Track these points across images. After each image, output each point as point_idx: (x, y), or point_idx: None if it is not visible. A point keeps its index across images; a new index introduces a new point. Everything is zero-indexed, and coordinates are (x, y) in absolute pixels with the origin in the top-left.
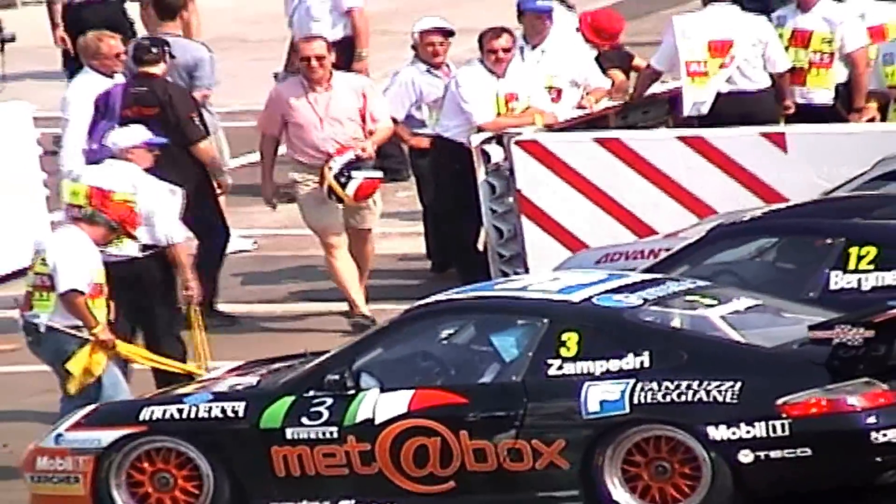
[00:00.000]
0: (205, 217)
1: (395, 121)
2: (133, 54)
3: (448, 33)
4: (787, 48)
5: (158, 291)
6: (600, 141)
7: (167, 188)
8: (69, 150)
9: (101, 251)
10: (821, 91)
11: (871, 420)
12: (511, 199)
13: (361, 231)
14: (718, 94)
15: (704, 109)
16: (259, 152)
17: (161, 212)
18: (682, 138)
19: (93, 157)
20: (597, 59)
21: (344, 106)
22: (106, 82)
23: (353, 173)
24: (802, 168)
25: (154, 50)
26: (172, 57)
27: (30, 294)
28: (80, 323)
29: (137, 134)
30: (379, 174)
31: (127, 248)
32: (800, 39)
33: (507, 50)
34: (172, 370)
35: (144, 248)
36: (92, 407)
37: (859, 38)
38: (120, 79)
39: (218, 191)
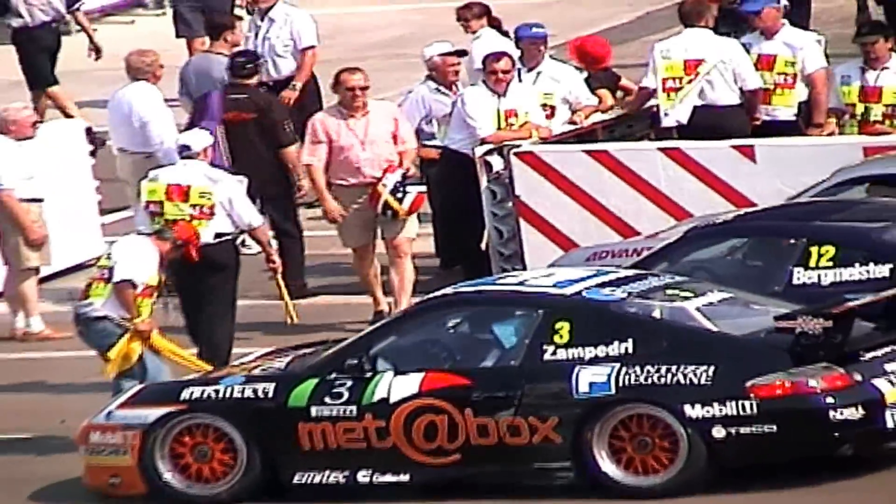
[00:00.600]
0: (285, 216)
1: None
2: (230, 67)
3: (462, 54)
4: (758, 70)
5: (224, 275)
6: (589, 152)
7: (235, 178)
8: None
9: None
10: (784, 109)
11: (830, 400)
12: (510, 204)
13: (400, 246)
14: (694, 108)
15: (683, 120)
16: (310, 181)
17: (238, 200)
18: (662, 150)
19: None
20: (586, 80)
21: (380, 130)
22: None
23: (408, 188)
24: (769, 177)
25: (249, 64)
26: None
27: (88, 285)
28: (126, 315)
29: (206, 138)
30: (424, 188)
31: (202, 236)
32: (765, 63)
33: (506, 72)
34: (187, 365)
35: (217, 235)
36: (139, 387)
37: (818, 61)
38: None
39: (297, 194)
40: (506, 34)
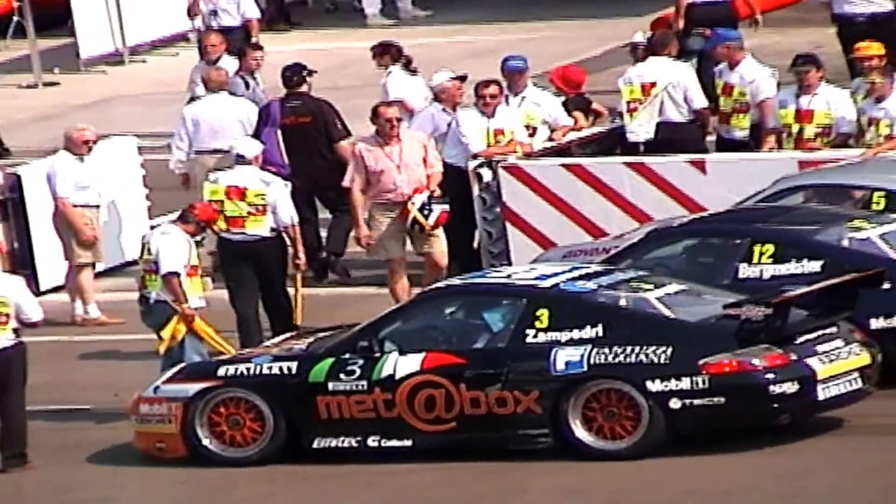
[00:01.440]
0: (339, 197)
1: None
2: (283, 78)
3: (464, 79)
4: (719, 96)
5: (278, 261)
6: (566, 166)
7: (283, 182)
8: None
9: (241, 232)
10: (739, 130)
11: (770, 376)
12: (498, 210)
13: (434, 255)
14: (657, 124)
15: (650, 136)
16: (352, 202)
17: (283, 201)
18: (627, 164)
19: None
20: (564, 103)
21: (412, 155)
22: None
23: (434, 206)
24: (718, 186)
25: (296, 76)
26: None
27: (142, 277)
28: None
29: (257, 146)
30: (448, 206)
31: (259, 230)
32: (726, 90)
33: (493, 96)
34: (219, 347)
35: (272, 230)
36: (182, 365)
37: (767, 91)
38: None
39: None
40: (414, 72)
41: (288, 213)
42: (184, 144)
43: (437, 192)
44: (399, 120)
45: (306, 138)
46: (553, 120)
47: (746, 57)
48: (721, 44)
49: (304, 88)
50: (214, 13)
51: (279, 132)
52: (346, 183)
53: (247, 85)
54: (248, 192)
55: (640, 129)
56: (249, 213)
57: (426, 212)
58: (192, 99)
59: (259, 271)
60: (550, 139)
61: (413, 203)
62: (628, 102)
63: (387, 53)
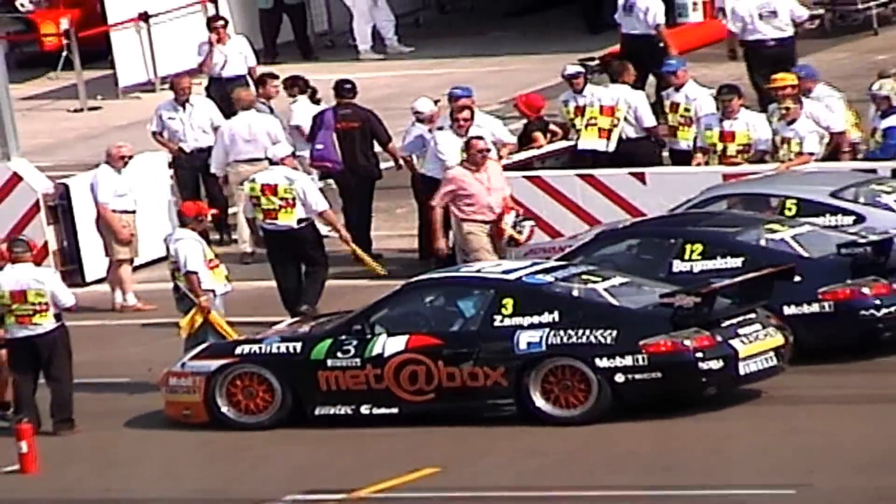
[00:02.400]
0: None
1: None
2: (337, 90)
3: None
4: (668, 114)
5: (311, 246)
6: (527, 177)
7: (307, 177)
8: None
9: (274, 222)
10: (684, 141)
11: (699, 355)
12: None
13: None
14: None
15: (611, 149)
16: (434, 219)
17: (310, 191)
18: (579, 175)
19: (318, 154)
20: (526, 125)
21: (497, 180)
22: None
23: (524, 223)
24: (655, 195)
25: (347, 86)
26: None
27: (172, 273)
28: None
29: (287, 148)
30: (534, 222)
31: (289, 221)
32: (673, 108)
33: (466, 119)
34: (226, 333)
35: (300, 221)
36: (205, 345)
37: (707, 108)
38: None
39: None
40: (318, 101)
41: (315, 202)
42: (221, 153)
43: (521, 211)
44: (488, 151)
45: (355, 141)
46: (496, 139)
47: (689, 80)
48: (670, 71)
49: (353, 99)
50: (224, 65)
51: (334, 135)
52: (434, 202)
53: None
54: (278, 188)
55: (600, 144)
56: (280, 206)
57: (518, 229)
58: (155, 134)
59: (293, 254)
60: (499, 157)
61: (506, 223)
62: (588, 119)
63: (295, 85)
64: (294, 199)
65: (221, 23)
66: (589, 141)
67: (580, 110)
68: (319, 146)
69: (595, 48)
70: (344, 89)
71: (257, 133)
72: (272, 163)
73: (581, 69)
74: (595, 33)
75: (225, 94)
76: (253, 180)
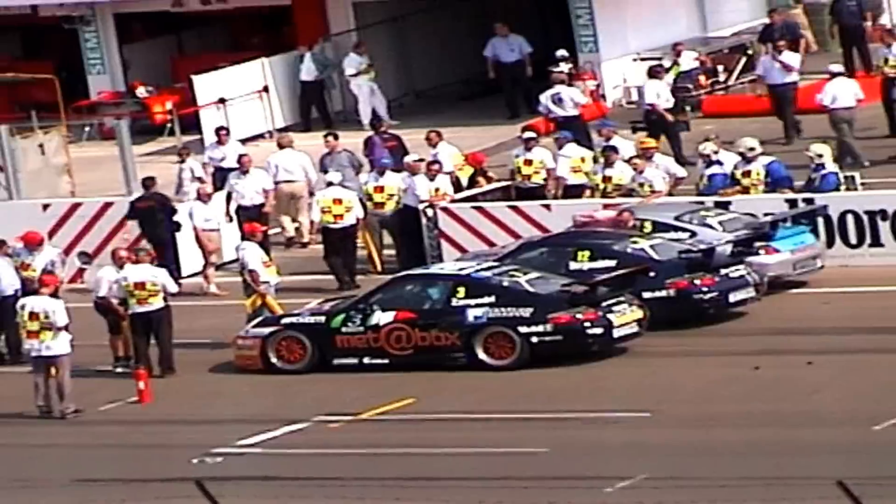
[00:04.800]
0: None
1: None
2: (373, 121)
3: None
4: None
5: (353, 240)
6: (474, 207)
7: (355, 194)
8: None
9: (334, 223)
10: (577, 180)
11: (587, 324)
12: (436, 232)
13: None
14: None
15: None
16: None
17: (356, 205)
18: (510, 206)
19: (382, 163)
20: (473, 173)
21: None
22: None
23: None
24: (557, 219)
25: (377, 121)
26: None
27: (240, 271)
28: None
29: (337, 176)
30: None
31: (348, 222)
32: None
33: (436, 170)
34: (274, 310)
35: (352, 225)
36: (261, 318)
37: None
38: None
39: None
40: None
41: (357, 211)
42: (269, 179)
43: None
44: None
45: (395, 155)
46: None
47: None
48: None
49: (386, 128)
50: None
51: (386, 150)
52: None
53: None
54: (343, 201)
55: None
56: (342, 213)
57: None
58: (228, 195)
59: (344, 244)
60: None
61: None
62: (535, 167)
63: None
64: (351, 208)
65: (332, 137)
66: (537, 180)
67: (528, 162)
68: (385, 160)
69: (517, 123)
70: (378, 120)
71: (292, 165)
72: (329, 185)
73: (535, 134)
74: (513, 117)
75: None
76: (323, 196)
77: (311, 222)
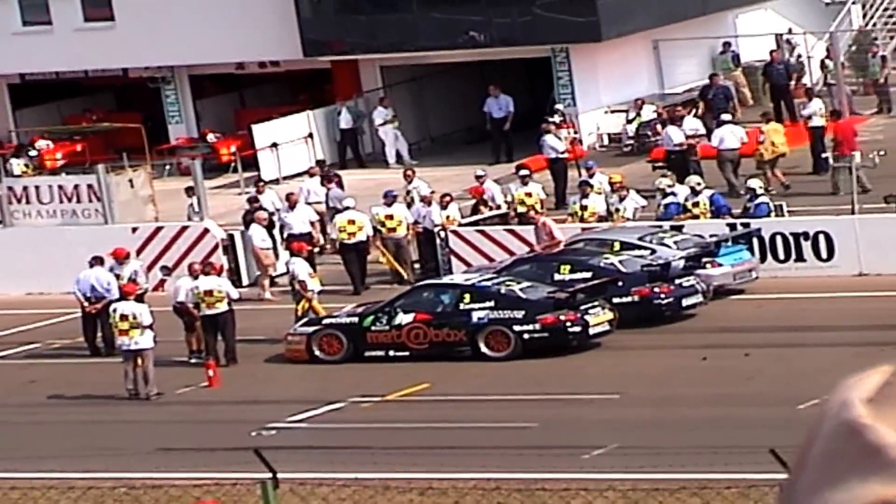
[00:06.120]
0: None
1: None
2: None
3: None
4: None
5: (364, 253)
6: (477, 231)
7: (368, 217)
8: None
9: (349, 240)
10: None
11: (568, 323)
12: (447, 250)
13: None
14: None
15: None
16: None
17: (367, 225)
18: (504, 229)
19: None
20: (475, 203)
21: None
22: None
23: None
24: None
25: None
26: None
27: (290, 281)
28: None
29: (352, 201)
30: None
31: (361, 238)
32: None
33: (448, 201)
34: (318, 312)
35: (363, 241)
36: (307, 318)
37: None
38: None
39: None
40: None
41: (367, 230)
42: (313, 213)
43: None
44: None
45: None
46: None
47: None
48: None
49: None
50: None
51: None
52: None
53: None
54: (355, 221)
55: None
56: (355, 231)
57: None
58: (280, 228)
59: (358, 257)
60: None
61: None
62: (534, 202)
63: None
64: (362, 227)
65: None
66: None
67: (528, 194)
68: (339, 197)
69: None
70: (322, 164)
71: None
72: (347, 208)
73: (529, 172)
74: (496, 162)
75: None
76: (340, 218)
77: (332, 239)
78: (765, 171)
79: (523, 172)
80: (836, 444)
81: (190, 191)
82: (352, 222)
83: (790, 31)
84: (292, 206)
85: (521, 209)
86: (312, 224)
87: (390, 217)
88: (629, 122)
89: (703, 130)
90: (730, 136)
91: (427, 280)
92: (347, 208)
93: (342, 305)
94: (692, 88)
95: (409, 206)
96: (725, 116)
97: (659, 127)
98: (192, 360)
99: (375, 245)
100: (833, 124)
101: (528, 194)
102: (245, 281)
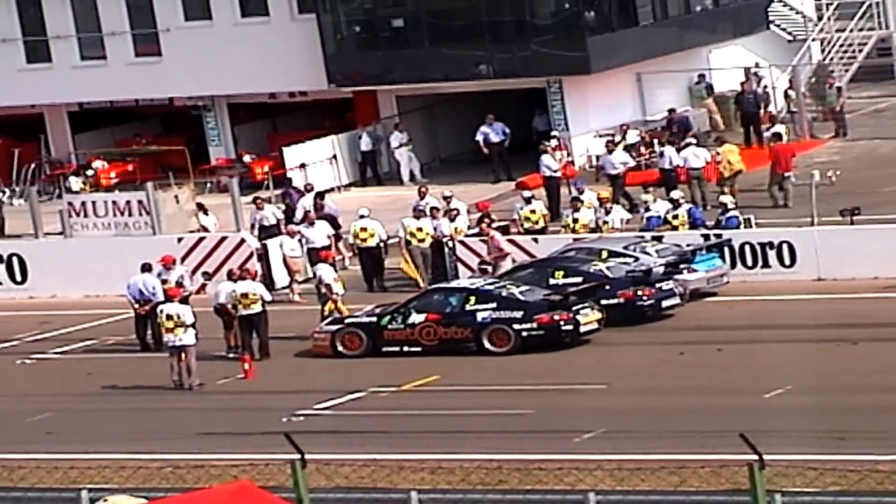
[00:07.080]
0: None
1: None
2: (288, 180)
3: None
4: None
5: (380, 258)
6: (481, 239)
7: (380, 224)
8: None
9: (361, 244)
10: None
11: (561, 322)
12: (455, 256)
13: None
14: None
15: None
16: None
17: (379, 230)
18: (508, 240)
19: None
20: (480, 217)
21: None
22: None
23: None
24: (543, 249)
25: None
26: None
27: (316, 284)
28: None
29: (366, 211)
30: None
31: (371, 244)
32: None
33: (456, 215)
34: (342, 312)
35: (377, 245)
36: (331, 318)
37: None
38: None
39: None
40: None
41: (380, 235)
42: (330, 228)
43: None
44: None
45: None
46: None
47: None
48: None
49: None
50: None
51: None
52: None
53: None
54: (368, 228)
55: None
56: (366, 238)
57: None
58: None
59: (373, 261)
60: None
61: None
62: (539, 217)
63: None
64: (374, 234)
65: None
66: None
67: (533, 212)
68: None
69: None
70: (289, 181)
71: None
72: (363, 217)
73: (532, 194)
74: (496, 181)
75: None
76: (356, 224)
77: (348, 244)
78: (724, 188)
79: (527, 194)
80: None
81: (257, 201)
82: (364, 230)
83: (757, 65)
84: (311, 223)
85: (526, 225)
86: (329, 238)
87: (420, 229)
88: (615, 144)
89: (633, 164)
90: (692, 158)
91: (437, 284)
92: (362, 216)
93: (362, 306)
94: (672, 111)
95: (452, 220)
96: (691, 140)
97: (643, 149)
98: (230, 355)
99: (402, 253)
100: (775, 146)
101: (533, 211)
102: (278, 285)
